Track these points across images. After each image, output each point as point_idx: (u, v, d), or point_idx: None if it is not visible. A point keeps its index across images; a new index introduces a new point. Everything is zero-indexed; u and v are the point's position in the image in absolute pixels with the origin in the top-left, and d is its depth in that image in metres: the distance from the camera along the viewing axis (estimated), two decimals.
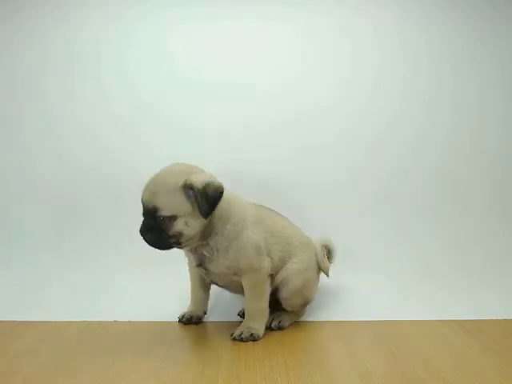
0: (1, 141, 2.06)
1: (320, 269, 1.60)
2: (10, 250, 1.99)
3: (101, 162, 2.04)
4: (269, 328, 1.47)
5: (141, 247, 1.98)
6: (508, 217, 2.10)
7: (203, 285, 1.57)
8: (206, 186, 1.28)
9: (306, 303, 1.55)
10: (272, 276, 1.45)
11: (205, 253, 1.39)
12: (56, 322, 1.54)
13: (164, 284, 1.84)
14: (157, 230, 1.31)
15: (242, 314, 1.59)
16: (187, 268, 1.56)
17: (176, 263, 1.92)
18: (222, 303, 1.65)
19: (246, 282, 1.42)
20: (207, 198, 1.27)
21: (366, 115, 2.07)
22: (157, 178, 1.33)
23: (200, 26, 2.04)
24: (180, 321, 1.55)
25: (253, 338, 1.39)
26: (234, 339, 1.40)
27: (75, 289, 1.82)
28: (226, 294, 1.62)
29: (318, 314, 1.61)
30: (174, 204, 1.28)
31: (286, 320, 1.51)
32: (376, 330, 1.50)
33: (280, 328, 1.48)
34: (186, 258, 1.52)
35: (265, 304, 1.43)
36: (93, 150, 2.05)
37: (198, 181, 1.28)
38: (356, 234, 2.01)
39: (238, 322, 1.56)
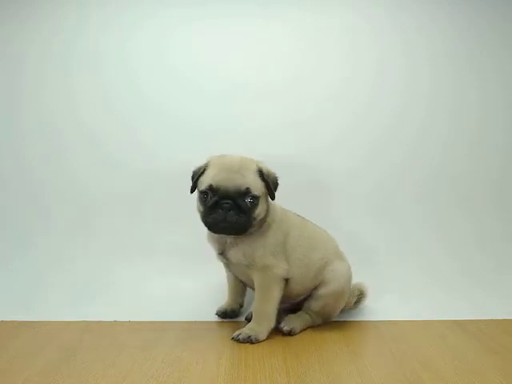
0: (0, 140, 2.06)
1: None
2: (10, 250, 1.99)
3: (101, 162, 2.04)
4: (279, 330, 1.44)
5: (142, 247, 2.00)
6: (509, 216, 2.10)
7: (238, 281, 1.59)
8: (270, 173, 1.41)
9: (328, 316, 1.51)
10: (286, 281, 1.43)
11: (228, 240, 1.41)
12: (56, 322, 1.54)
13: (164, 284, 1.84)
14: (247, 212, 1.33)
15: (249, 318, 1.58)
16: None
17: (176, 264, 1.93)
18: (223, 303, 1.65)
19: (257, 280, 1.41)
20: (272, 184, 1.40)
21: (365, 115, 2.06)
22: (236, 162, 1.36)
23: (200, 26, 2.04)
24: (217, 314, 1.58)
25: (250, 341, 1.37)
26: (233, 339, 1.39)
27: (75, 289, 1.82)
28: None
29: None
30: (258, 185, 1.36)
31: (298, 326, 1.46)
32: (376, 330, 1.51)
33: (291, 333, 1.43)
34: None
35: (272, 308, 1.41)
36: (93, 149, 2.05)
37: (265, 167, 1.41)
38: (355, 234, 2.01)
39: (238, 322, 1.57)
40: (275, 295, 1.40)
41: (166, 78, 2.04)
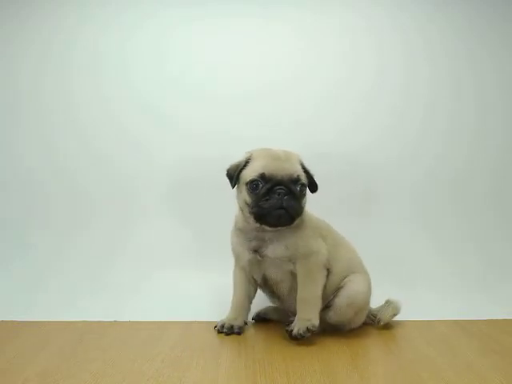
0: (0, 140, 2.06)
1: (374, 315, 1.56)
2: (10, 250, 1.99)
3: (100, 164, 2.04)
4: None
5: (141, 247, 2.00)
6: (508, 216, 2.09)
7: (247, 292, 1.53)
8: (306, 167, 1.44)
9: (350, 322, 1.47)
10: (328, 270, 1.44)
11: (266, 237, 1.39)
12: (56, 322, 1.54)
13: (164, 284, 1.84)
14: (299, 199, 1.36)
15: (256, 318, 1.58)
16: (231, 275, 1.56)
17: (176, 264, 1.94)
18: (224, 303, 1.65)
19: (300, 269, 1.40)
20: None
21: (365, 114, 2.06)
22: (282, 153, 1.39)
23: (200, 26, 2.04)
24: (219, 331, 1.47)
25: (310, 332, 1.35)
26: (296, 338, 1.36)
27: (75, 289, 1.82)
28: (228, 293, 1.62)
29: None
30: (303, 175, 1.40)
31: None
32: (377, 330, 1.51)
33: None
34: (233, 259, 1.51)
35: (319, 292, 1.40)
36: (92, 150, 2.04)
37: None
38: (353, 233, 2.00)
39: None
40: (320, 280, 1.41)
41: (165, 78, 2.04)
